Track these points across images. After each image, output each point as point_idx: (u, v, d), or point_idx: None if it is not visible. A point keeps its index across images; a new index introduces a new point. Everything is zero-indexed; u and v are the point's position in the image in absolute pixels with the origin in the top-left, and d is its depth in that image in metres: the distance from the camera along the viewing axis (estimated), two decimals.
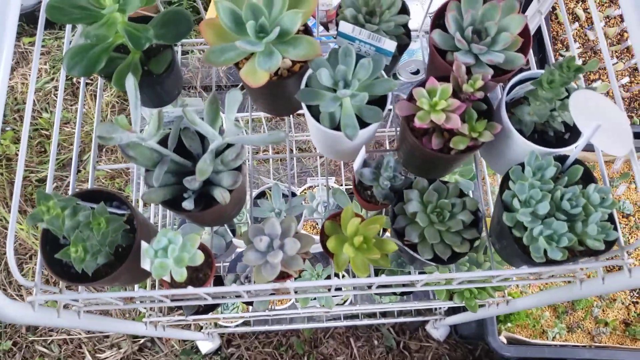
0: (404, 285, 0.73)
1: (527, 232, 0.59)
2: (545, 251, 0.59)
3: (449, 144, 0.63)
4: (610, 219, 0.60)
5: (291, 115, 1.43)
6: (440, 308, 1.55)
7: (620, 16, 1.72)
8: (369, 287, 0.71)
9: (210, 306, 1.01)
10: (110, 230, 0.58)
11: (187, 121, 0.61)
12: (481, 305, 1.23)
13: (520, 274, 0.60)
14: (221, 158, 0.61)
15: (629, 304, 1.49)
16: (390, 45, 0.64)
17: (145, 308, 0.94)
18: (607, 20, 1.72)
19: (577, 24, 1.70)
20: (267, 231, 0.63)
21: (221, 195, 0.59)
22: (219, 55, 0.65)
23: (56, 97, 1.98)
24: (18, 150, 1.90)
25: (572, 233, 0.58)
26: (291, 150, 1.68)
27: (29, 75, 2.00)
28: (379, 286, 0.71)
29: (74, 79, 1.97)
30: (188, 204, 0.61)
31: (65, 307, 0.69)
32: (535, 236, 0.58)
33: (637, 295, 1.50)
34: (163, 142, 0.63)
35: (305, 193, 1.57)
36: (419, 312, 1.64)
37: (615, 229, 0.58)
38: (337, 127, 0.65)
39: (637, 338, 1.45)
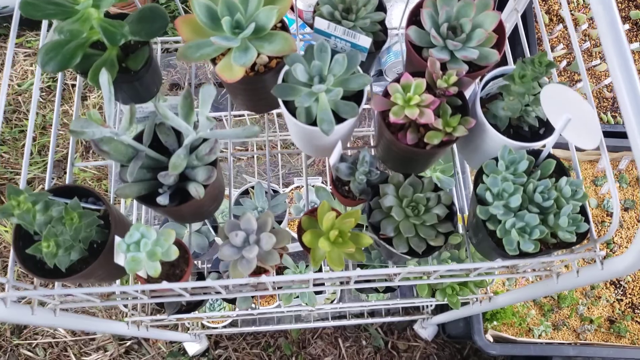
0: (384, 280, 0.73)
1: (500, 225, 0.59)
2: (518, 244, 0.60)
3: (425, 139, 0.64)
4: (582, 211, 0.60)
5: (275, 115, 1.43)
6: (427, 307, 1.56)
7: None
8: (347, 282, 0.71)
9: (193, 305, 1.00)
10: (84, 225, 0.58)
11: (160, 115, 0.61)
12: (465, 303, 1.24)
13: (494, 267, 0.60)
14: (196, 153, 0.61)
15: (614, 302, 1.50)
16: (365, 41, 0.65)
17: (126, 307, 0.94)
18: (591, 22, 1.74)
19: (561, 25, 1.72)
20: (243, 226, 0.63)
21: (195, 190, 0.59)
22: (194, 51, 0.65)
23: (43, 99, 1.98)
24: (2, 152, 1.89)
25: (545, 225, 0.58)
26: (273, 147, 1.68)
27: (14, 76, 1.99)
28: (359, 281, 0.71)
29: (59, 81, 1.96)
30: (162, 199, 0.61)
31: (42, 305, 0.69)
32: (508, 229, 0.58)
33: (622, 292, 1.51)
34: (139, 137, 0.63)
35: (293, 193, 1.57)
36: (406, 312, 1.65)
37: (587, 221, 0.59)
38: (313, 123, 0.65)
39: (622, 335, 1.46)
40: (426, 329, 1.67)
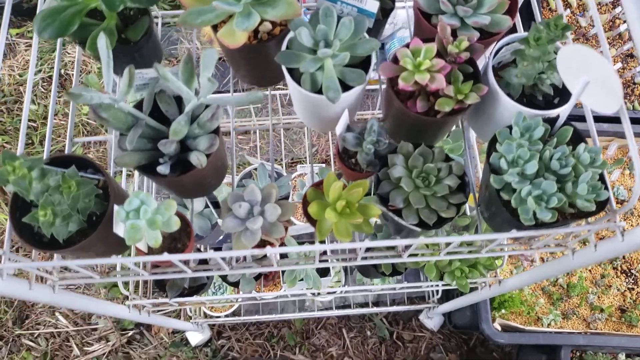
0: (392, 257, 0.70)
1: (516, 194, 0.57)
2: (534, 214, 0.57)
3: (435, 108, 0.61)
4: (601, 179, 0.58)
5: (279, 100, 1.41)
6: (433, 296, 1.53)
7: (612, 3, 1.70)
8: (354, 258, 0.69)
9: (195, 289, 0.98)
10: (82, 194, 0.55)
11: (161, 82, 0.59)
12: (473, 289, 1.21)
13: (507, 236, 0.57)
14: (197, 121, 0.59)
15: (625, 290, 1.47)
16: (372, 5, 0.62)
17: (126, 288, 0.92)
18: (599, 7, 1.71)
19: (568, 10, 1.69)
20: (246, 197, 0.61)
21: (197, 158, 0.57)
22: (196, 17, 0.62)
23: (44, 89, 1.96)
24: (4, 143, 1.87)
25: (562, 194, 0.56)
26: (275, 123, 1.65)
27: (16, 66, 1.98)
28: (366, 257, 0.69)
29: (62, 71, 1.95)
30: (163, 169, 0.58)
31: (42, 281, 0.67)
32: (524, 197, 0.56)
33: (633, 281, 1.49)
34: (138, 106, 0.61)
35: (296, 181, 1.55)
36: (411, 301, 1.62)
37: (606, 189, 0.56)
38: (319, 91, 0.63)
39: (634, 324, 1.43)
40: (432, 319, 1.65)
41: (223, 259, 0.63)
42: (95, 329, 1.66)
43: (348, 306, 1.61)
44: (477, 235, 0.58)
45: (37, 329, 1.66)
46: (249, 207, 0.60)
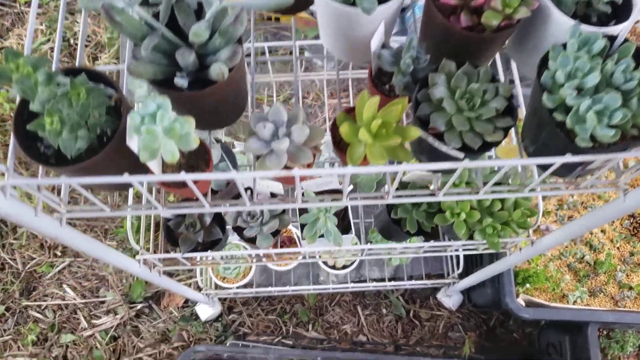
0: (425, 196, 0.64)
1: (572, 111, 0.51)
2: (591, 137, 0.51)
3: (481, 22, 0.56)
4: None
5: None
6: (453, 271, 1.47)
7: None
8: (385, 196, 0.63)
9: (209, 244, 0.93)
10: (92, 103, 0.50)
11: None
12: (500, 256, 1.16)
13: (561, 161, 0.51)
14: (219, 29, 0.54)
15: None
16: None
17: (136, 238, 0.87)
18: None
19: None
20: (271, 118, 0.55)
21: (219, 68, 0.52)
22: None
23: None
24: (12, 110, 1.83)
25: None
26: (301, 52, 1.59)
27: (25, 35, 1.93)
28: (398, 197, 0.63)
29: (71, 40, 1.91)
30: (181, 81, 0.53)
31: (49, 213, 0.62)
32: (582, 113, 0.50)
33: None
34: (155, 17, 0.56)
35: None
36: (430, 278, 1.56)
37: None
38: (352, 4, 0.57)
39: None
40: (450, 298, 1.58)
41: (246, 189, 0.57)
42: (103, 302, 1.62)
43: (363, 281, 1.55)
44: (528, 159, 0.52)
45: (45, 301, 1.62)
46: (274, 127, 0.54)
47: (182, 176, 0.51)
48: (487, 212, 0.90)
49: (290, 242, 1.43)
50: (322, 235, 0.92)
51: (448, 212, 0.89)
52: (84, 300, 1.61)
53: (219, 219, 0.95)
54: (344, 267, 1.43)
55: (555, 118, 0.53)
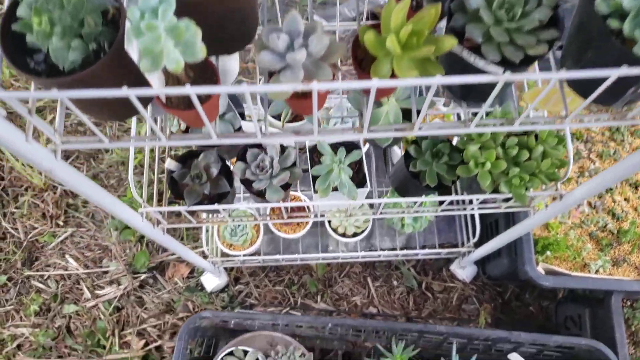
0: (455, 127, 0.58)
1: (631, 15, 0.45)
2: None
3: None
4: None
5: None
6: (469, 241, 1.41)
7: None
8: (410, 128, 0.57)
9: (216, 197, 0.88)
10: (86, 5, 0.44)
11: None
12: (519, 221, 1.10)
13: (615, 74, 0.45)
14: None
15: None
16: None
17: (139, 191, 0.81)
18: None
19: None
20: (285, 28, 0.49)
21: None
22: None
23: None
24: None
25: None
26: None
27: None
28: (423, 129, 0.57)
29: None
30: None
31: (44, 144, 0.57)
32: None
33: None
34: None
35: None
36: (442, 247, 1.51)
37: None
38: None
39: None
40: (464, 269, 1.53)
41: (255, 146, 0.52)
42: (106, 272, 1.57)
43: (374, 251, 1.50)
44: (576, 71, 0.46)
45: (47, 271, 1.58)
46: (289, 39, 0.49)
47: (187, 89, 0.45)
48: (513, 162, 0.84)
49: (301, 209, 1.38)
50: (335, 189, 0.86)
51: (472, 161, 0.83)
52: (86, 271, 1.57)
53: (226, 172, 0.89)
54: (354, 235, 1.38)
55: (610, 25, 0.47)
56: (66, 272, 1.57)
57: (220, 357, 1.18)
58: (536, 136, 0.85)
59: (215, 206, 0.85)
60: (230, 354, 1.18)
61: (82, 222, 1.62)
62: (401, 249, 1.49)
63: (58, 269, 1.58)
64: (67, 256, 1.59)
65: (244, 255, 1.38)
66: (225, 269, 1.53)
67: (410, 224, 1.33)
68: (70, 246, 1.60)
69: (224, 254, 1.40)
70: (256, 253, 1.43)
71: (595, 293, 1.35)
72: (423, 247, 1.50)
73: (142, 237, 1.59)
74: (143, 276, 1.55)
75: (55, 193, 1.63)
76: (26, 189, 1.65)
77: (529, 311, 1.53)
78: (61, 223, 1.62)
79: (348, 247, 1.50)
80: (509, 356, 1.09)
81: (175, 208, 0.86)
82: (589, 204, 1.41)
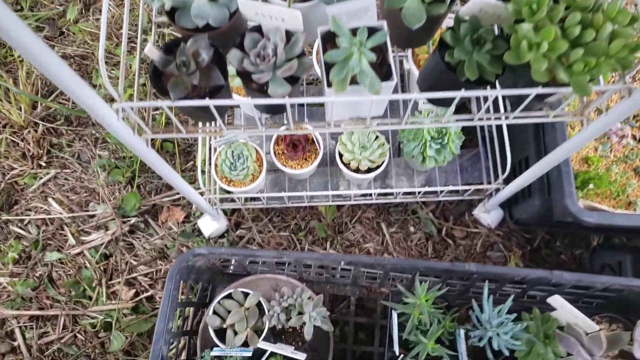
0: None
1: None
2: None
3: None
4: None
5: None
6: (497, 178, 1.26)
7: None
8: None
9: (209, 92, 0.72)
10: None
11: None
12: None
13: None
14: None
15: None
16: None
17: (114, 86, 0.65)
18: None
19: None
20: None
21: None
22: None
23: None
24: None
25: None
26: None
27: None
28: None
29: None
30: None
31: None
32: None
33: None
34: None
35: None
36: (467, 185, 1.35)
37: None
38: None
39: None
40: (489, 213, 1.38)
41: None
42: (92, 216, 1.43)
43: (390, 194, 1.35)
44: None
45: (27, 215, 1.43)
46: None
47: None
48: (575, 44, 0.67)
49: (308, 141, 1.22)
50: (354, 82, 0.70)
51: (524, 43, 0.67)
52: (71, 215, 1.43)
53: (219, 63, 0.73)
54: (369, 171, 1.22)
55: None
56: (48, 216, 1.43)
57: (217, 300, 1.03)
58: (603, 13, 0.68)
59: (207, 101, 0.69)
60: (229, 297, 1.04)
61: (66, 163, 1.47)
62: (420, 188, 1.34)
63: (40, 213, 1.43)
64: (49, 199, 1.44)
65: (245, 198, 1.23)
66: (225, 212, 1.39)
67: (433, 156, 1.17)
68: (54, 189, 1.45)
69: (222, 190, 1.25)
70: (259, 193, 1.28)
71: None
72: (444, 184, 1.35)
73: (133, 178, 1.44)
74: (133, 220, 1.41)
75: (36, 131, 1.48)
76: (4, 127, 1.50)
77: (561, 260, 1.38)
78: (43, 164, 1.47)
79: (361, 187, 1.34)
80: (548, 300, 0.94)
81: (158, 103, 0.70)
82: (634, 137, 1.24)
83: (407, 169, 1.36)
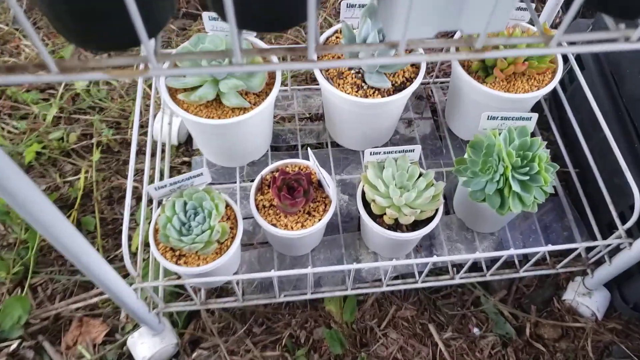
0: None
1: None
2: None
3: None
4: None
5: None
6: (609, 233, 0.80)
7: None
8: None
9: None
10: None
11: None
12: None
13: None
14: None
15: None
16: None
17: None
18: None
19: None
20: None
21: None
22: None
23: None
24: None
25: None
26: None
27: None
28: None
29: None
30: None
31: None
32: None
33: None
34: None
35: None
36: (554, 256, 0.88)
37: None
38: None
39: None
40: (592, 296, 0.89)
41: None
42: None
43: (442, 272, 0.85)
44: None
45: None
46: None
47: None
48: None
49: (312, 185, 0.75)
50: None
51: None
52: None
53: None
54: (414, 226, 0.74)
55: None
56: None
57: None
58: None
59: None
60: None
61: None
62: (491, 261, 0.85)
63: None
64: None
65: (207, 280, 0.70)
66: (175, 322, 0.84)
67: (518, 194, 0.71)
68: None
69: (171, 277, 0.72)
70: (230, 292, 0.76)
71: None
72: (525, 258, 0.87)
73: (25, 274, 0.89)
74: (14, 346, 0.83)
75: None
76: None
77: None
78: None
79: (399, 258, 0.84)
80: None
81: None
82: None
83: (462, 232, 0.89)
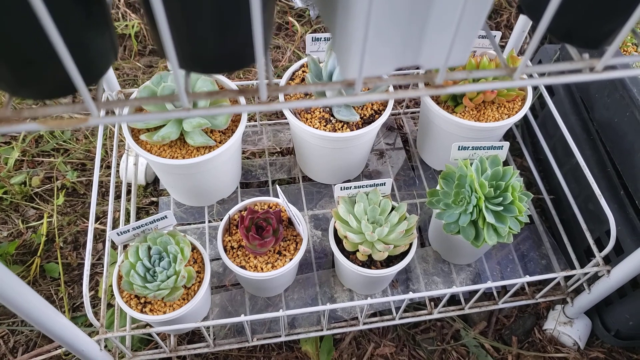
0: None
1: None
2: None
3: None
4: None
5: None
6: (587, 260, 0.79)
7: None
8: None
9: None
10: None
11: None
12: None
13: None
14: None
15: None
16: None
17: None
18: None
19: None
20: None
21: None
22: None
23: None
24: None
25: None
26: None
27: None
28: None
29: None
30: None
31: None
32: None
33: None
34: None
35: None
36: (532, 286, 0.87)
37: None
38: None
39: None
40: (573, 325, 0.87)
41: None
42: None
43: (418, 307, 0.83)
44: None
45: None
46: None
47: None
48: None
49: (282, 223, 0.72)
50: None
51: None
52: None
53: None
54: (388, 263, 0.72)
55: None
56: None
57: None
58: None
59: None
60: None
61: None
62: (469, 293, 0.83)
63: None
64: None
65: (171, 322, 0.67)
66: None
67: (492, 225, 0.70)
68: None
69: (135, 320, 0.69)
70: (200, 337, 0.72)
71: None
72: (503, 289, 0.85)
73: None
74: None
75: None
76: None
77: None
78: None
79: (374, 296, 0.82)
80: None
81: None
82: None
83: (439, 264, 0.87)
